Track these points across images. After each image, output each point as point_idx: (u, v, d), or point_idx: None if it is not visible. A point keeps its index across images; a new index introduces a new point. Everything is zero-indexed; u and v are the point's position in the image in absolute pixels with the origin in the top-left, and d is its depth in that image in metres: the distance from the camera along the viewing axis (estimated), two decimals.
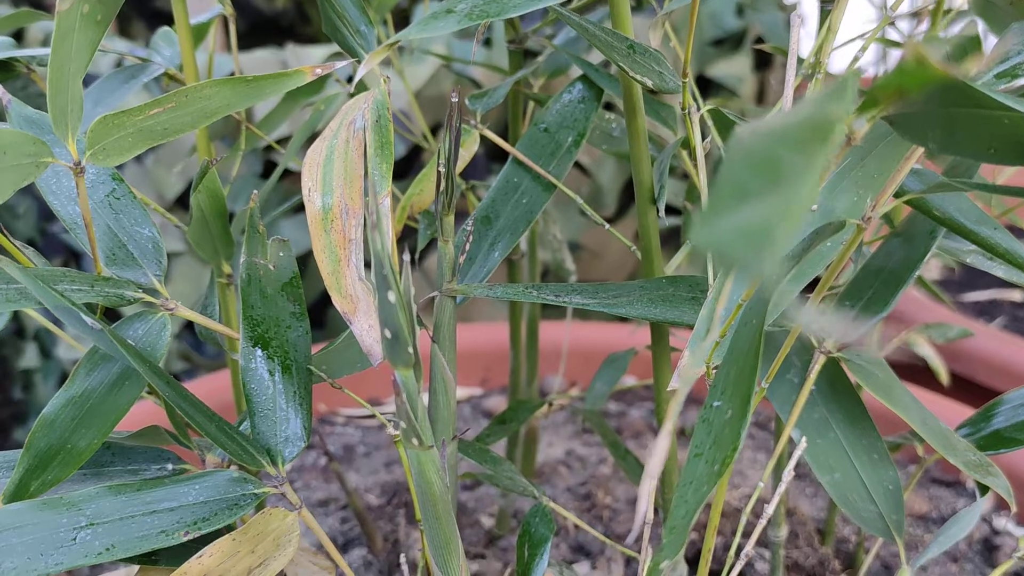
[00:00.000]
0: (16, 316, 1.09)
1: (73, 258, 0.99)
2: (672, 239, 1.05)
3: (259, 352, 0.36)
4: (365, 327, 0.33)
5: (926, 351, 0.57)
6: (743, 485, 0.67)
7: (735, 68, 1.05)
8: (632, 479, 0.47)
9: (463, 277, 0.41)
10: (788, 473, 0.36)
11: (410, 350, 0.27)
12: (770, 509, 0.38)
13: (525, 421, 0.51)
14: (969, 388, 0.81)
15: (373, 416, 0.80)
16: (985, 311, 0.93)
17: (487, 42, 0.92)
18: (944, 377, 0.62)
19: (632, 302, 0.37)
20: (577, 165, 1.00)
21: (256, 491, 0.34)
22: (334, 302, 0.33)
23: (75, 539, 0.32)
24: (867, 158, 0.32)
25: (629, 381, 0.84)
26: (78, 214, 0.36)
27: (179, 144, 0.91)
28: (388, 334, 0.26)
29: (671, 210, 1.02)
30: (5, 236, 0.34)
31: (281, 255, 0.38)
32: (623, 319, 1.04)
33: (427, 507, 0.29)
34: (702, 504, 0.25)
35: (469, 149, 0.44)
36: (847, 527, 0.64)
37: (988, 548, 0.63)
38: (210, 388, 0.72)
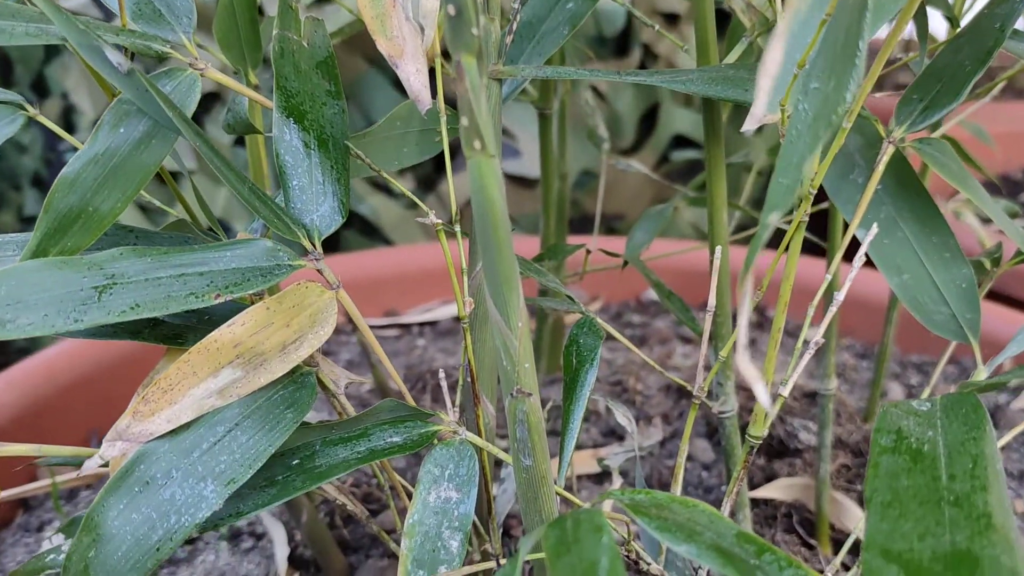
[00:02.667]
0: None
1: None
2: (688, 174, 1.03)
3: (293, 124, 0.34)
4: (412, 70, 0.31)
5: (970, 219, 0.54)
6: (775, 378, 0.65)
7: None
8: (674, 310, 0.45)
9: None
10: (855, 263, 0.34)
11: (474, 31, 0.24)
12: (822, 326, 0.35)
13: (561, 261, 0.49)
14: (1007, 303, 0.78)
15: (390, 326, 0.78)
16: None
17: None
18: (987, 241, 0.60)
19: (692, 80, 0.35)
20: (595, 91, 0.97)
21: (291, 262, 0.32)
22: (380, 47, 0.31)
23: (97, 298, 0.30)
24: None
25: (652, 295, 0.82)
26: None
27: None
28: (451, 10, 0.24)
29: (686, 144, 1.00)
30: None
31: (316, 33, 0.36)
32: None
33: (485, 229, 0.26)
34: (795, 187, 0.23)
35: None
36: None
37: None
38: None
